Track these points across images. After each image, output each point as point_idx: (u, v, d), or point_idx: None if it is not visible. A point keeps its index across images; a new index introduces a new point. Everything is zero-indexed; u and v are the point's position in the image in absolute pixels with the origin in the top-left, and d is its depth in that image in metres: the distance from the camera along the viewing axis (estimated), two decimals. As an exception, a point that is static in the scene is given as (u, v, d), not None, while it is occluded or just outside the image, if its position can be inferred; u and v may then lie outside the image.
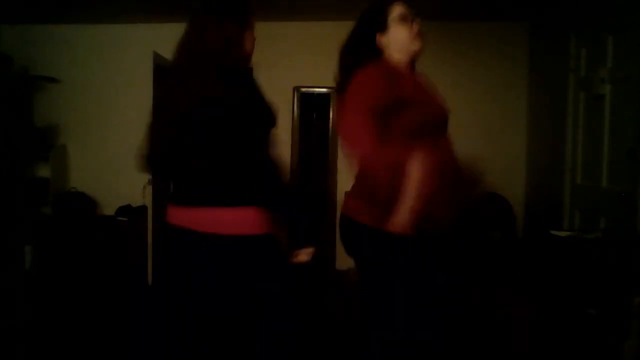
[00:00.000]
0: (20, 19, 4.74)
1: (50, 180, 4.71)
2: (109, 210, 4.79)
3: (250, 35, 1.71)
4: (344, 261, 4.78)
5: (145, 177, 4.28)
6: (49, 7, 4.35)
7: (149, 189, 4.30)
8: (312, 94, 4.84)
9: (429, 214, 1.55)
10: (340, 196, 4.82)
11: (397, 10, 1.71)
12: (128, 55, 4.87)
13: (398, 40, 1.71)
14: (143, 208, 4.52)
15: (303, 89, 4.82)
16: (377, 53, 1.72)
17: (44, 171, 4.75)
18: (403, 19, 1.70)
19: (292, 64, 4.84)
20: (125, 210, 4.65)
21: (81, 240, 4.45)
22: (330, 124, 4.83)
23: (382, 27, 1.71)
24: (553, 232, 2.58)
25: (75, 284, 4.10)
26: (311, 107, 4.87)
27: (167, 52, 4.73)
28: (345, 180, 4.84)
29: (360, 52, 1.73)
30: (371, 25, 1.74)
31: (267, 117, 1.62)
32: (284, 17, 4.70)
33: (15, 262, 4.09)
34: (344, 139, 1.55)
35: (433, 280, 1.65)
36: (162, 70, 4.40)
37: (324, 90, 4.80)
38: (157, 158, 1.73)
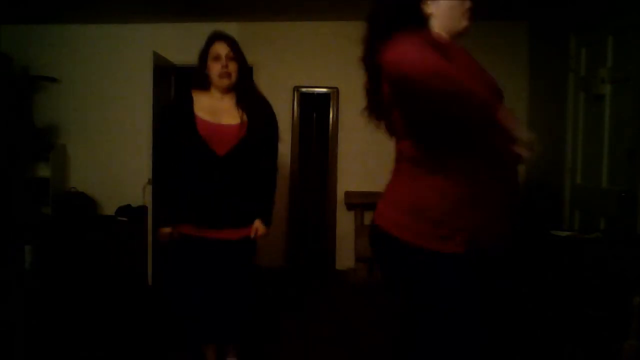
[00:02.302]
0: (20, 19, 4.74)
1: (50, 180, 4.71)
2: (109, 210, 4.80)
3: (210, 64, 2.21)
4: (344, 261, 4.79)
5: (145, 177, 4.29)
6: (49, 7, 4.35)
7: (149, 189, 4.30)
8: (312, 94, 4.84)
9: (485, 231, 1.35)
10: (340, 196, 4.82)
11: None
12: (128, 55, 4.87)
13: (447, 12, 1.41)
14: (143, 208, 4.52)
15: (303, 89, 4.82)
16: (418, 23, 1.39)
17: (44, 171, 4.74)
18: None
19: (292, 64, 4.84)
20: (125, 210, 4.65)
21: (81, 240, 4.45)
22: (330, 124, 4.83)
23: None
24: (553, 232, 2.58)
25: (75, 284, 4.10)
26: (311, 107, 4.87)
27: (167, 52, 4.76)
28: (345, 179, 4.85)
29: (397, 20, 1.36)
30: None
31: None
32: (284, 17, 4.70)
33: (15, 262, 4.08)
34: (400, 71, 1.18)
35: (481, 298, 1.42)
36: (162, 70, 4.41)
37: (324, 90, 4.80)
38: None
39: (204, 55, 2.23)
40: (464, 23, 1.44)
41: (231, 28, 4.74)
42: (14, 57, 4.76)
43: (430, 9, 1.41)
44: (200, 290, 2.31)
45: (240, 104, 2.21)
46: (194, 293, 2.33)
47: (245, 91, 2.25)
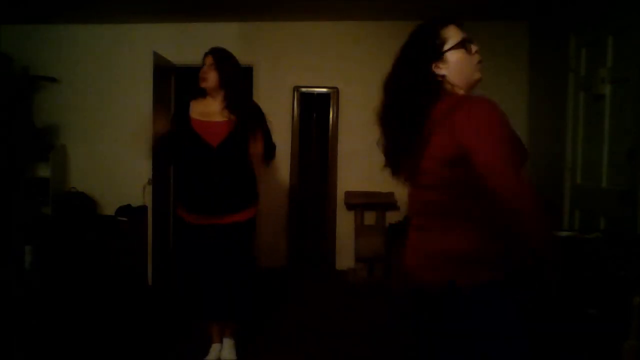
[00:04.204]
0: (20, 19, 4.75)
1: (50, 180, 4.71)
2: (109, 210, 4.80)
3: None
4: (344, 261, 4.79)
5: (145, 177, 4.29)
6: (49, 7, 4.35)
7: (149, 189, 4.30)
8: (312, 94, 4.84)
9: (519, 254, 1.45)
10: (340, 195, 4.82)
11: (453, 34, 1.48)
12: (128, 55, 4.87)
13: (458, 68, 1.47)
14: (143, 208, 4.53)
15: (303, 89, 4.82)
16: (433, 86, 1.47)
17: (44, 171, 4.74)
18: (461, 44, 1.47)
19: (292, 64, 4.84)
20: (125, 210, 4.65)
21: (81, 240, 4.45)
22: (330, 124, 4.83)
23: (438, 55, 1.46)
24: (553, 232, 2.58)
25: (75, 284, 4.10)
26: (311, 107, 4.87)
27: (167, 52, 4.79)
28: (345, 179, 4.85)
29: (413, 86, 1.46)
30: (424, 53, 1.47)
31: None
32: (284, 17, 4.70)
33: (15, 262, 4.09)
34: (488, 172, 1.29)
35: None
36: (162, 70, 4.41)
37: (324, 90, 4.80)
38: None
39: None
40: (477, 75, 1.50)
41: (231, 28, 4.75)
42: (14, 57, 4.76)
43: (442, 70, 1.46)
44: (202, 271, 2.64)
45: (228, 107, 2.56)
46: (196, 275, 2.66)
47: (233, 97, 2.58)
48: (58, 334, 3.12)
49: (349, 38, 4.73)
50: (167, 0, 4.22)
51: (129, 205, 4.69)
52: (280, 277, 4.56)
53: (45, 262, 4.27)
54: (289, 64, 4.85)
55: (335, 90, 4.78)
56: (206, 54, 2.66)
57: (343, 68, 4.72)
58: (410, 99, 1.46)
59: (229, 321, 2.75)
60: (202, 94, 2.65)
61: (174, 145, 2.68)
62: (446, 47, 1.46)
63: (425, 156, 1.43)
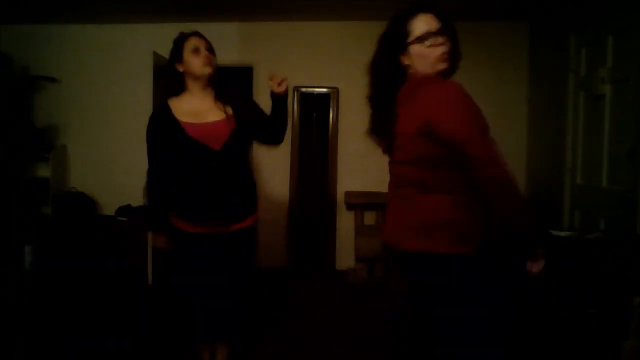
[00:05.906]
0: (20, 19, 4.75)
1: (50, 180, 4.71)
2: (109, 210, 4.80)
3: (189, 58, 2.18)
4: (344, 261, 4.79)
5: (145, 177, 4.28)
6: (49, 7, 4.35)
7: (149, 189, 4.30)
8: (312, 94, 4.84)
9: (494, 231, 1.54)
10: (340, 195, 4.82)
11: (419, 27, 1.58)
12: (128, 55, 4.87)
13: (418, 60, 1.59)
14: (143, 208, 4.52)
15: (303, 89, 4.82)
16: (400, 73, 1.63)
17: (44, 171, 4.74)
18: (421, 38, 1.57)
19: (292, 64, 4.84)
20: (125, 210, 4.65)
21: (81, 240, 4.45)
22: (330, 124, 4.83)
23: (403, 47, 1.60)
24: (553, 232, 2.59)
25: (75, 284, 4.10)
26: (311, 107, 4.87)
27: (167, 52, 4.76)
28: (345, 179, 4.85)
29: (384, 73, 1.65)
30: (391, 45, 1.63)
31: None
32: (284, 17, 4.70)
33: (15, 262, 4.09)
34: (458, 140, 1.44)
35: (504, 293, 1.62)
36: (161, 70, 4.40)
37: (324, 90, 4.80)
38: None
39: (179, 52, 2.22)
40: (441, 66, 1.60)
41: (231, 28, 4.75)
42: (14, 57, 4.76)
43: (406, 61, 1.62)
44: (199, 288, 2.36)
45: (220, 99, 2.24)
46: (193, 291, 2.39)
47: (220, 86, 2.27)
48: (58, 334, 3.12)
49: (349, 38, 4.73)
50: (167, 0, 4.22)
51: (129, 205, 4.69)
52: (280, 277, 4.56)
53: (45, 262, 4.27)
54: (289, 64, 4.84)
55: (335, 90, 4.78)
56: (190, 36, 2.25)
57: (343, 68, 4.72)
58: (382, 84, 1.66)
59: (222, 344, 2.45)
60: (179, 90, 2.26)
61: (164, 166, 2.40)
62: (409, 40, 1.59)
63: (396, 133, 1.61)
